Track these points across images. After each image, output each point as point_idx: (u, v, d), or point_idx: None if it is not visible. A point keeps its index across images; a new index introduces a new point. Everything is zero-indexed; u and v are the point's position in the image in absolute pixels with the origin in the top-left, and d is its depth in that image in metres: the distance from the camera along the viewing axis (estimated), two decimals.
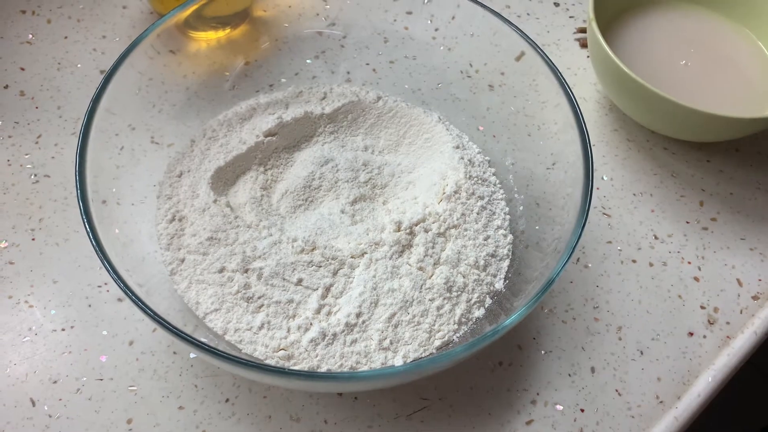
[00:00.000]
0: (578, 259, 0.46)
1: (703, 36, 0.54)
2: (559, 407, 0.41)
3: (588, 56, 0.56)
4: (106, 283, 0.42)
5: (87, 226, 0.34)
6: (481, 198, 0.43)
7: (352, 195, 0.43)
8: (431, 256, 0.39)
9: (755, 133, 0.50)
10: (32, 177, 0.47)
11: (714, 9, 0.55)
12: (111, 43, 0.54)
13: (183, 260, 0.39)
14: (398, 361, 0.37)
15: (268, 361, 0.36)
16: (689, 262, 0.47)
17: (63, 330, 0.41)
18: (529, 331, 0.43)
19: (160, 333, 0.41)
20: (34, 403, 0.38)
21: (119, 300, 0.42)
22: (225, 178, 0.43)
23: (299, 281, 0.38)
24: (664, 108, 0.46)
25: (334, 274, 0.39)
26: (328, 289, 0.38)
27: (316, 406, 0.39)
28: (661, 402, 0.41)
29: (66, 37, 0.54)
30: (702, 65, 0.52)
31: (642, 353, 0.43)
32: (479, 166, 0.45)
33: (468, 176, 0.43)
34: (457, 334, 0.38)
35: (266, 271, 0.38)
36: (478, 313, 0.39)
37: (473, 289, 0.39)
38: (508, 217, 0.43)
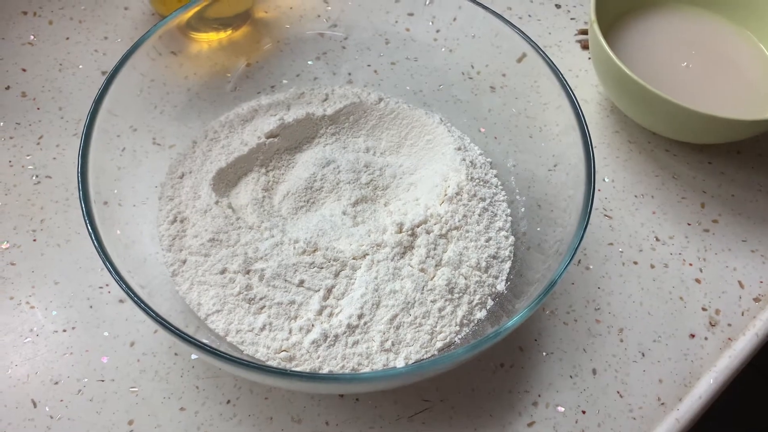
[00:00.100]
0: (579, 261, 0.46)
1: (704, 38, 0.54)
2: (561, 409, 0.40)
3: (589, 58, 0.56)
4: (107, 284, 0.42)
5: (89, 228, 0.34)
6: (483, 200, 0.43)
7: (354, 196, 0.43)
8: (433, 258, 0.39)
9: (756, 135, 0.50)
10: (34, 178, 0.47)
11: (715, 11, 0.55)
12: (113, 44, 0.54)
13: (185, 261, 0.39)
14: (400, 363, 0.37)
15: (270, 363, 0.36)
16: (690, 264, 0.47)
17: (64, 331, 0.41)
18: (531, 333, 0.43)
19: (161, 334, 0.41)
20: (35, 404, 0.38)
21: (120, 301, 0.42)
22: (227, 180, 0.43)
23: (301, 282, 0.38)
24: (666, 110, 0.46)
25: (336, 275, 0.39)
26: (329, 291, 0.38)
27: (318, 407, 0.39)
28: (662, 404, 0.41)
29: (68, 38, 0.54)
30: (703, 67, 0.52)
31: (643, 355, 0.43)
32: (481, 167, 0.45)
33: (470, 178, 0.43)
34: (459, 336, 0.38)
35: (268, 273, 0.38)
36: (480, 314, 0.39)
37: (475, 291, 0.39)
38: (509, 218, 0.43)
